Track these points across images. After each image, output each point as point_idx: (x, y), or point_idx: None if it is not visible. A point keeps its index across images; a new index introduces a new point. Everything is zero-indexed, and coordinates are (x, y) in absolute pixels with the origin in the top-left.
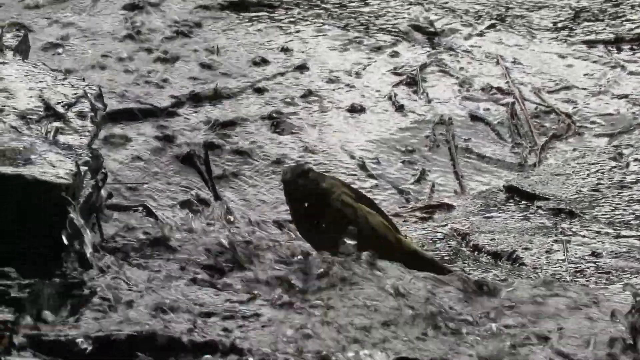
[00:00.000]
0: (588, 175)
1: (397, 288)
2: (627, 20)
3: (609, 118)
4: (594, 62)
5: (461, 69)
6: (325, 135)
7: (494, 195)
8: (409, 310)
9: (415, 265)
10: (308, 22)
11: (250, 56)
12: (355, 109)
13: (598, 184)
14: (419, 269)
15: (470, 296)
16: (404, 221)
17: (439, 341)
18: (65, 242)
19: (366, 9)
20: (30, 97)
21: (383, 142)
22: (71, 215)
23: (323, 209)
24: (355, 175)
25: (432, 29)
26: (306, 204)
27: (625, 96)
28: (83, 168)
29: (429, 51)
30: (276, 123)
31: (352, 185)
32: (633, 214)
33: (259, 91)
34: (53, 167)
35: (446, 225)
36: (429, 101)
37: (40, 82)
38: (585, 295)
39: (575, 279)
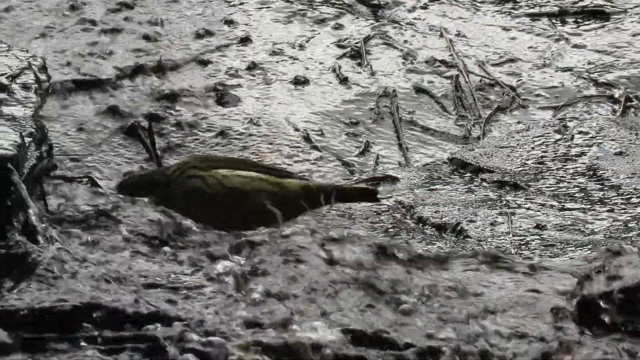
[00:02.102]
0: (533, 147)
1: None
2: None
3: (554, 91)
4: (538, 35)
5: (405, 41)
6: (269, 107)
7: (439, 167)
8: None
9: (315, 199)
10: None
11: (193, 28)
12: (299, 81)
13: (542, 156)
14: (321, 203)
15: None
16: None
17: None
18: (11, 213)
19: None
20: None
21: (327, 114)
22: (15, 186)
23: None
24: (299, 147)
25: (376, 1)
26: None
27: (570, 69)
28: (27, 139)
29: (372, 23)
30: (220, 95)
31: (295, 156)
32: (577, 186)
33: (203, 63)
34: None
35: (390, 197)
36: (373, 73)
37: None
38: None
39: (520, 252)
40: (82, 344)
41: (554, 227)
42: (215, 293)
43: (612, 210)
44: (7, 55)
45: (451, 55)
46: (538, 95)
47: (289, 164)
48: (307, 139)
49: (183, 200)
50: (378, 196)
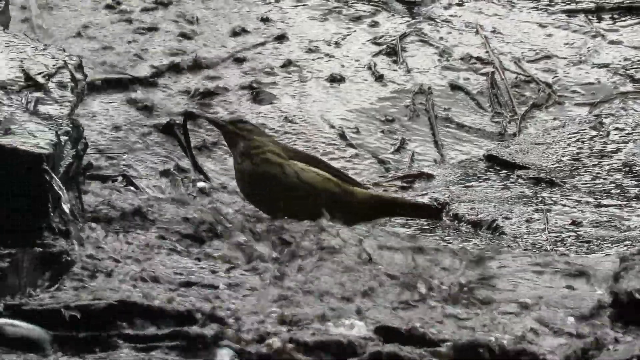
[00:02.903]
0: (568, 144)
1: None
2: None
3: (590, 87)
4: (574, 31)
5: (441, 38)
6: (304, 105)
7: (474, 164)
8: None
9: (382, 210)
10: None
11: (230, 26)
12: (334, 79)
13: (578, 153)
14: (387, 214)
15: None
16: (384, 190)
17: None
18: (46, 211)
19: None
20: (11, 67)
21: (363, 112)
22: (51, 185)
23: (253, 173)
24: (334, 144)
25: None
26: (240, 164)
27: (606, 65)
28: (63, 138)
29: (408, 21)
30: (256, 93)
31: (330, 153)
32: (613, 183)
33: (239, 61)
34: (33, 137)
35: (426, 194)
36: (409, 71)
37: (21, 52)
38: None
39: (556, 248)
40: (117, 342)
41: (590, 224)
42: (251, 291)
43: None
44: (43, 54)
45: (487, 52)
46: (574, 91)
47: None
48: (342, 136)
49: (252, 179)
50: (442, 215)
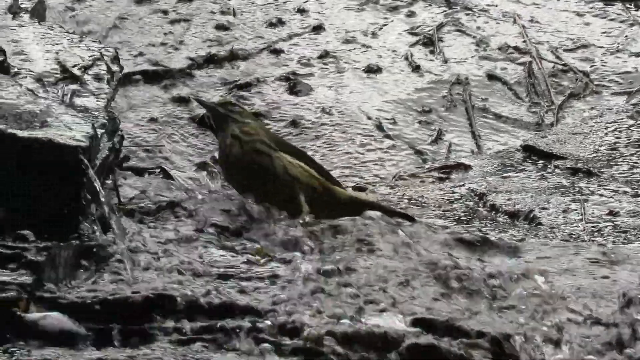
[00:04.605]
0: (606, 134)
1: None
2: None
3: (627, 76)
4: (612, 20)
5: (478, 28)
6: (341, 96)
7: (511, 154)
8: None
9: (358, 210)
10: None
11: (266, 17)
12: (371, 70)
13: (616, 142)
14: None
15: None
16: (421, 181)
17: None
18: (83, 204)
19: None
20: (47, 59)
21: (400, 103)
22: (88, 177)
23: (241, 159)
24: (372, 135)
25: None
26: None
27: None
28: (99, 130)
29: (445, 11)
30: (292, 84)
31: (368, 144)
32: None
33: (275, 52)
34: (69, 129)
35: (463, 185)
36: (446, 61)
37: (57, 44)
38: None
39: (593, 239)
40: (155, 335)
41: (627, 214)
42: (288, 283)
43: None
44: (79, 46)
45: (524, 41)
46: (611, 80)
47: (361, 153)
48: (379, 127)
49: (242, 169)
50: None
